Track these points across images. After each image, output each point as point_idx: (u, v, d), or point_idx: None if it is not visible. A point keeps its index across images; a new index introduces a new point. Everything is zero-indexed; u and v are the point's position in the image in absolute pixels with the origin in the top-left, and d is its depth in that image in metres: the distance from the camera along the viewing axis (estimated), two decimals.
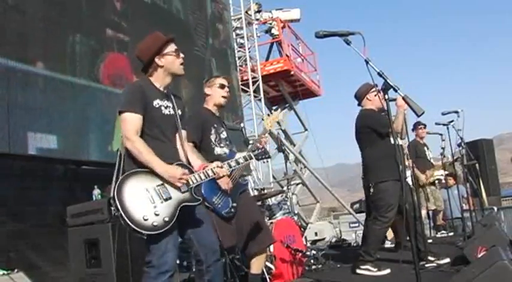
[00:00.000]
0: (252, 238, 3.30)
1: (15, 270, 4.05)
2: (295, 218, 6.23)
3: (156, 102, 2.52)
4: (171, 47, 2.59)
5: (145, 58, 2.58)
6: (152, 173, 2.38)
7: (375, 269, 3.89)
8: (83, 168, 5.79)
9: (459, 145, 5.60)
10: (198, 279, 2.59)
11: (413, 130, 6.80)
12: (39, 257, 4.81)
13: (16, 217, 4.87)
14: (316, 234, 8.50)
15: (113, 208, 3.62)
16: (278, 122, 11.88)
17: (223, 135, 3.34)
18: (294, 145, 12.03)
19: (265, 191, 9.00)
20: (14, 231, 4.82)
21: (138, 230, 2.27)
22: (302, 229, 7.15)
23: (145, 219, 2.28)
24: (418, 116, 2.41)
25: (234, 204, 3.20)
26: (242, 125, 5.38)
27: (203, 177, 2.54)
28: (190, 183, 2.47)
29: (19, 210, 4.93)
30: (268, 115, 3.44)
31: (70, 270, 3.89)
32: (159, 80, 2.59)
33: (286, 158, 11.62)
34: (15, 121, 4.66)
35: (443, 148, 5.69)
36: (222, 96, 3.38)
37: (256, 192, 8.08)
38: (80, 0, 5.81)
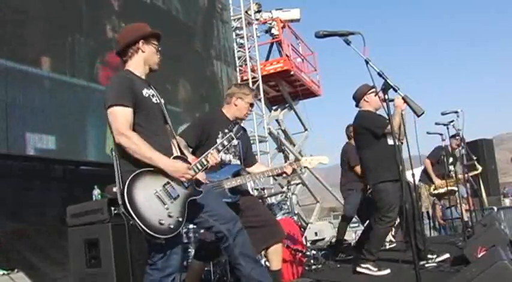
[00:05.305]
0: (262, 234, 3.27)
1: (15, 270, 4.04)
2: (295, 218, 6.22)
3: (145, 92, 2.42)
4: (156, 41, 2.53)
5: (128, 39, 2.47)
6: (155, 171, 2.29)
7: (375, 269, 3.89)
8: (81, 168, 5.80)
9: (459, 145, 5.60)
10: (229, 256, 2.50)
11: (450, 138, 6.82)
12: (39, 257, 4.80)
13: (15, 217, 4.87)
14: (316, 234, 8.49)
15: (119, 210, 3.60)
16: (278, 122, 11.91)
17: (234, 142, 3.32)
18: (294, 145, 12.02)
19: (265, 191, 9.02)
20: (14, 231, 4.82)
21: (157, 235, 2.20)
22: (302, 229, 7.14)
23: (162, 224, 2.22)
24: (418, 116, 2.40)
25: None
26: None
27: (200, 167, 2.46)
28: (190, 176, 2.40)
29: (18, 211, 4.93)
30: (311, 156, 3.51)
31: (70, 270, 3.89)
32: (139, 68, 2.48)
33: (286, 158, 11.67)
34: (14, 121, 4.66)
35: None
36: (245, 114, 3.44)
37: (256, 192, 8.08)
38: (80, 0, 5.81)
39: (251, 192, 4.74)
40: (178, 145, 2.57)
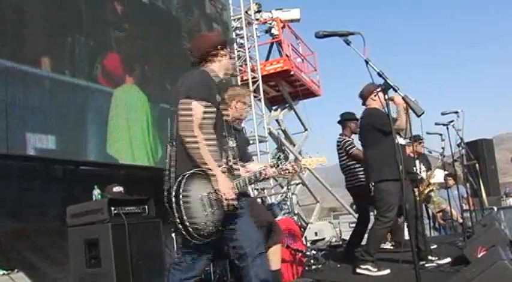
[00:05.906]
0: (261, 234, 3.26)
1: (15, 270, 4.04)
2: (295, 218, 6.23)
3: (218, 97, 2.49)
4: (228, 49, 2.63)
5: (207, 45, 2.56)
6: (204, 176, 2.33)
7: (375, 269, 3.89)
8: (81, 168, 5.79)
9: (459, 145, 5.59)
10: (244, 276, 2.48)
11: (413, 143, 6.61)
12: (39, 257, 4.81)
13: (15, 217, 4.87)
14: (316, 234, 8.49)
15: (119, 210, 3.61)
16: (278, 122, 11.91)
17: (232, 144, 3.33)
18: (294, 145, 12.02)
19: (265, 191, 9.03)
20: (14, 231, 4.81)
21: (197, 237, 2.24)
22: (302, 229, 7.15)
23: (199, 229, 2.27)
24: (418, 116, 2.40)
25: None
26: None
27: (243, 184, 2.49)
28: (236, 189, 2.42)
29: (18, 211, 4.93)
30: (310, 157, 3.45)
31: (70, 270, 3.89)
32: (214, 72, 2.55)
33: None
34: (14, 122, 4.65)
35: (443, 148, 5.68)
36: (244, 115, 3.51)
37: (256, 192, 8.09)
38: (80, 0, 5.81)
39: (251, 193, 4.75)
40: (227, 158, 2.57)
